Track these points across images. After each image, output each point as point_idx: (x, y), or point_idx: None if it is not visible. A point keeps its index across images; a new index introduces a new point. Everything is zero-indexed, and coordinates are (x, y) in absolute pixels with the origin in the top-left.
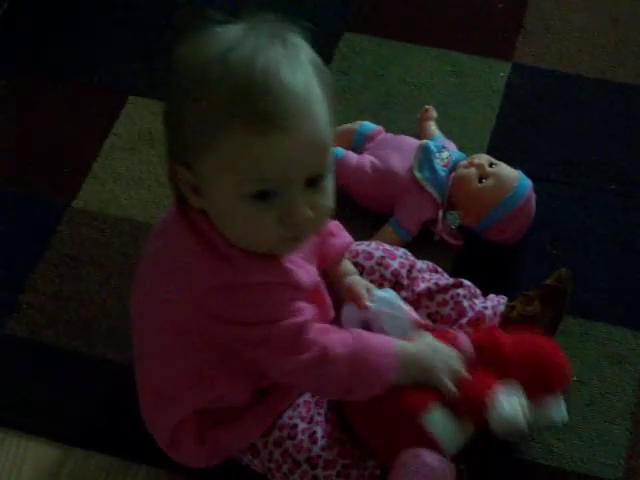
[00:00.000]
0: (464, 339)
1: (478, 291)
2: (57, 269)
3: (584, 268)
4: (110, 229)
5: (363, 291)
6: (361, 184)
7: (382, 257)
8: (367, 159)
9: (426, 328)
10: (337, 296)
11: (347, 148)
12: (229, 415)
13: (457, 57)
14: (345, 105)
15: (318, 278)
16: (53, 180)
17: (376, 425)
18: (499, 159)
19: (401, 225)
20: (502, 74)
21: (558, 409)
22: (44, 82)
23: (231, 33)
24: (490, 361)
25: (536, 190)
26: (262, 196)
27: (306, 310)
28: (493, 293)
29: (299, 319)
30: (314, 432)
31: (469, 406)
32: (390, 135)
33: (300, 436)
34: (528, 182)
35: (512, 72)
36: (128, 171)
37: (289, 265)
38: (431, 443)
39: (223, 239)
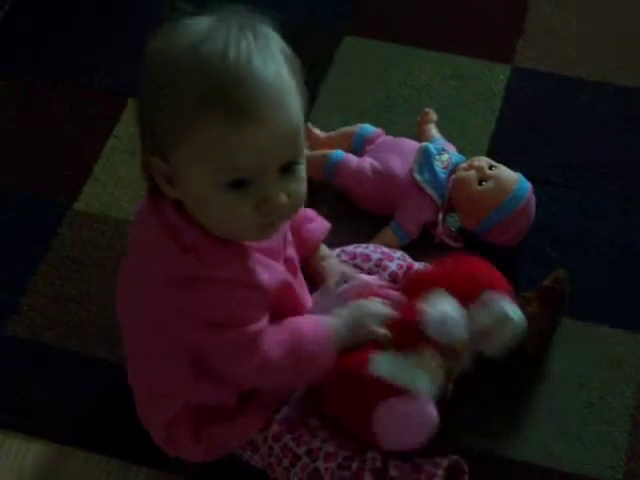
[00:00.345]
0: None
1: None
2: (58, 271)
3: (583, 270)
4: (111, 231)
5: (331, 279)
6: (361, 186)
7: (380, 259)
8: (367, 162)
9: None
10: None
11: (347, 150)
12: (222, 413)
13: (457, 60)
14: (345, 108)
15: (286, 276)
16: (54, 182)
17: (340, 403)
18: (499, 162)
19: (401, 228)
20: (502, 77)
21: (505, 304)
22: (44, 83)
23: (201, 25)
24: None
25: (536, 193)
26: (237, 185)
27: (261, 319)
28: None
29: (253, 328)
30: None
31: (406, 335)
32: (390, 138)
33: (299, 429)
34: (528, 185)
35: (512, 75)
36: (129, 173)
37: (253, 265)
38: (396, 391)
39: (193, 230)
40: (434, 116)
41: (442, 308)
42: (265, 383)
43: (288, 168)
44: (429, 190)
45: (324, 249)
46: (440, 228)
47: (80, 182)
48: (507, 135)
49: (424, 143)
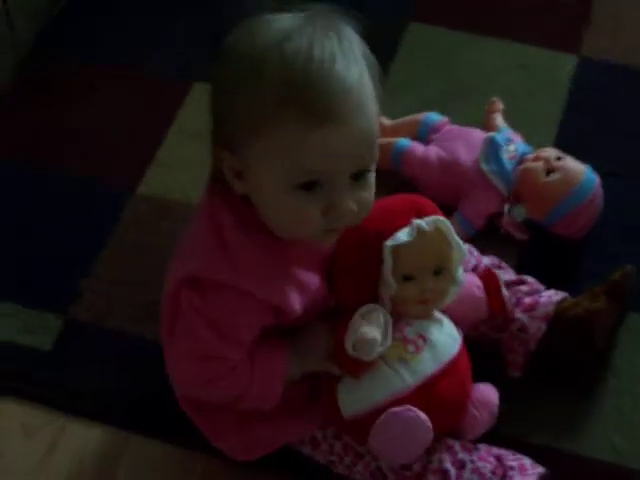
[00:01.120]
0: None
1: (541, 287)
2: (120, 255)
3: None
4: (174, 216)
5: None
6: (427, 175)
7: None
8: (433, 150)
9: None
10: None
11: (412, 139)
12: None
13: (523, 49)
14: (409, 96)
15: (321, 289)
16: (118, 166)
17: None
18: (564, 152)
19: (466, 218)
20: (569, 67)
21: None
22: (107, 68)
23: (287, 22)
24: None
25: (603, 185)
26: (308, 187)
27: (244, 349)
28: (556, 287)
29: (235, 357)
30: None
31: (337, 354)
32: (456, 127)
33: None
34: (595, 177)
35: (579, 65)
36: (192, 158)
37: (288, 286)
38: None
39: (239, 232)
40: (500, 105)
41: (357, 339)
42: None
43: (360, 175)
44: (495, 181)
45: None
46: (506, 219)
47: (144, 167)
48: (574, 126)
49: (491, 133)
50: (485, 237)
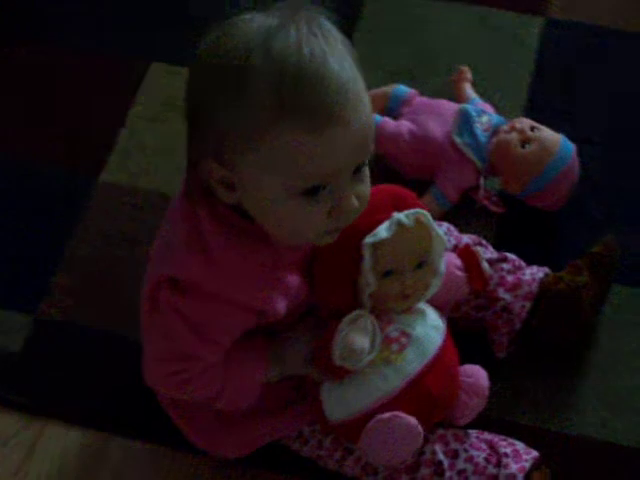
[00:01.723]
0: None
1: (523, 263)
2: (88, 247)
3: (632, 232)
4: (140, 202)
5: None
6: (399, 151)
7: None
8: (405, 125)
9: None
10: None
11: (381, 113)
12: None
13: (488, 12)
14: (374, 68)
15: (302, 289)
16: (77, 153)
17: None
18: (537, 120)
19: (442, 193)
20: (535, 30)
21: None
22: (61, 52)
23: (266, 21)
24: None
25: (578, 153)
26: (314, 191)
27: (221, 351)
28: (536, 261)
29: (212, 359)
30: None
31: (320, 362)
32: (426, 99)
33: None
34: (571, 146)
35: (546, 27)
36: (154, 142)
37: (271, 289)
38: (365, 419)
39: (222, 238)
40: (469, 74)
41: (344, 350)
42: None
43: (358, 169)
44: (470, 154)
45: None
46: (482, 193)
47: (105, 152)
48: (544, 92)
49: (463, 105)
50: (462, 212)
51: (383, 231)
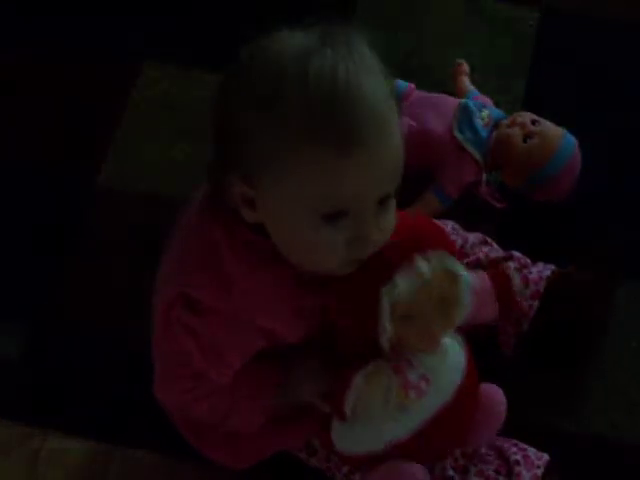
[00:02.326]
0: None
1: (528, 261)
2: (88, 254)
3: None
4: (138, 204)
5: None
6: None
7: None
8: (404, 121)
9: None
10: None
11: None
12: None
13: (483, 4)
14: None
15: (318, 312)
16: (74, 157)
17: None
18: (534, 112)
19: (443, 190)
20: (531, 22)
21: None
22: (54, 53)
23: (303, 40)
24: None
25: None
26: (333, 217)
27: (231, 373)
28: (541, 257)
29: (221, 380)
30: None
31: (334, 409)
32: (425, 94)
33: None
34: (573, 140)
35: (543, 18)
36: (151, 145)
37: (284, 313)
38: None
39: (241, 262)
40: (467, 68)
41: (357, 407)
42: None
43: (384, 201)
44: (471, 149)
45: None
46: (484, 188)
47: (101, 157)
48: (541, 84)
49: (463, 100)
50: (463, 209)
51: (403, 283)
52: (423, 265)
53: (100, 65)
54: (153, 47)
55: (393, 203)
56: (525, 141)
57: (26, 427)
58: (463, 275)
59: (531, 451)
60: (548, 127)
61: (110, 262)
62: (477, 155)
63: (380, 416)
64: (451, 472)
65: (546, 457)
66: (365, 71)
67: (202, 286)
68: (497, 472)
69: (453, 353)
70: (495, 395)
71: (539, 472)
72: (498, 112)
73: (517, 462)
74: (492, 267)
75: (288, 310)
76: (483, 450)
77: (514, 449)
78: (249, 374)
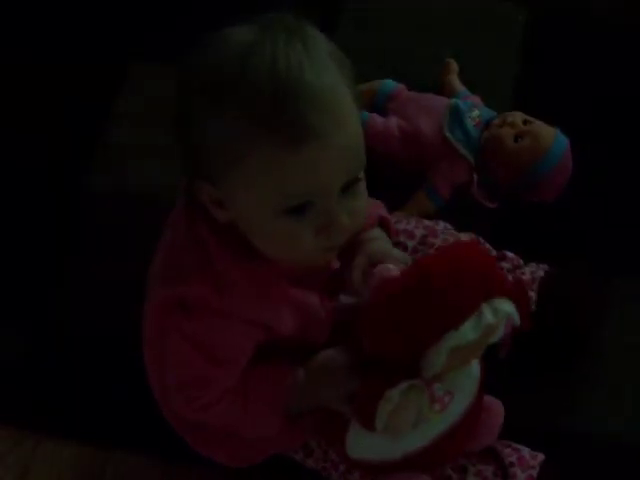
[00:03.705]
0: None
1: (521, 261)
2: (86, 257)
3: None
4: (127, 206)
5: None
6: (388, 147)
7: (425, 236)
8: (393, 121)
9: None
10: None
11: (368, 109)
12: None
13: (470, 2)
14: (358, 61)
15: (316, 312)
16: (62, 159)
17: None
18: (523, 111)
19: (435, 191)
20: (520, 17)
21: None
22: (41, 55)
23: (245, 37)
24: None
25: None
26: (297, 210)
27: (236, 371)
28: (534, 255)
29: (228, 381)
30: None
31: (362, 418)
32: (414, 94)
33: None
34: (565, 139)
35: (532, 17)
36: (140, 145)
37: (279, 306)
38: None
39: (227, 257)
40: (455, 67)
41: (389, 422)
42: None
43: (349, 186)
44: (462, 149)
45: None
46: (475, 189)
47: (89, 158)
48: (531, 83)
49: (453, 100)
50: (455, 210)
51: (470, 334)
52: (490, 316)
53: (86, 65)
54: (141, 47)
55: (362, 186)
56: (516, 141)
57: (20, 430)
58: (513, 315)
59: (525, 451)
60: (539, 127)
61: (109, 263)
62: (468, 155)
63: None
64: (449, 471)
65: (541, 456)
66: (309, 58)
67: (195, 286)
68: (494, 474)
69: (474, 367)
70: (493, 405)
71: (534, 472)
72: (489, 111)
73: (512, 463)
74: None
75: (279, 303)
76: (480, 452)
77: (508, 450)
78: (259, 377)
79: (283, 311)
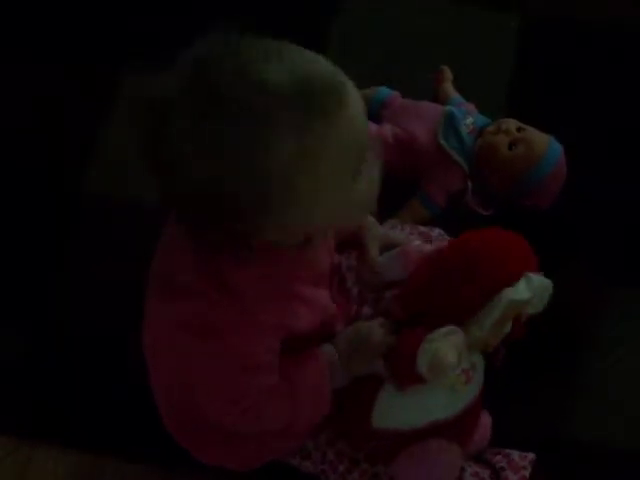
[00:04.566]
0: None
1: None
2: (80, 262)
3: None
4: (127, 207)
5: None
6: (382, 155)
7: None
8: (388, 128)
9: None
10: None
11: None
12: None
13: (462, 10)
14: (352, 69)
15: (328, 309)
16: (60, 164)
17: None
18: (518, 116)
19: (430, 199)
20: (512, 23)
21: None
22: (36, 61)
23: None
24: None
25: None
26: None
27: (272, 369)
28: None
29: (268, 380)
30: None
31: (402, 366)
32: (408, 101)
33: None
34: (559, 147)
35: (523, 22)
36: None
37: (295, 307)
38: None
39: (239, 270)
40: (449, 74)
41: (434, 359)
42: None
43: None
44: (456, 156)
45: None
46: (470, 196)
47: (84, 165)
48: (524, 90)
49: (448, 107)
50: (449, 216)
51: (523, 290)
52: (536, 281)
53: (87, 65)
54: (141, 47)
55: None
56: (510, 148)
57: (16, 437)
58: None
59: (515, 454)
60: (533, 134)
61: (109, 263)
62: (462, 163)
63: (436, 386)
64: None
65: (531, 456)
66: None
67: (204, 301)
68: (491, 477)
69: (481, 361)
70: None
71: (526, 472)
72: (483, 119)
73: (503, 468)
74: None
75: (294, 302)
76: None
77: (498, 457)
78: (296, 365)
79: (300, 310)
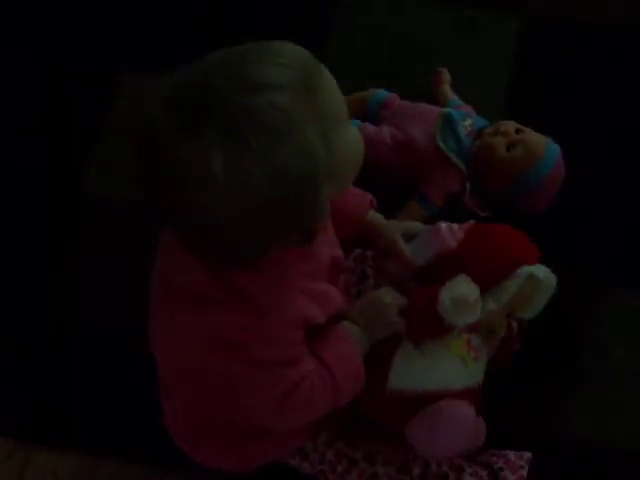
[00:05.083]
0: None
1: None
2: (77, 265)
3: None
4: (127, 206)
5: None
6: (381, 156)
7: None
8: (386, 130)
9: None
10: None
11: (361, 118)
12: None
13: (462, 11)
14: (352, 70)
15: (334, 299)
16: (59, 166)
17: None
18: (516, 118)
19: (427, 200)
20: (512, 26)
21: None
22: (35, 63)
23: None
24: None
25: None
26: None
27: (305, 353)
28: None
29: (307, 366)
30: None
31: (427, 325)
32: (407, 103)
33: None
34: (557, 148)
35: (523, 24)
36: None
37: (304, 302)
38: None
39: (245, 274)
40: (448, 76)
41: (457, 294)
42: (296, 419)
43: None
44: (454, 158)
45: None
46: (468, 197)
47: (83, 167)
48: (523, 92)
49: (446, 109)
50: (448, 218)
51: (540, 270)
52: (547, 269)
53: (87, 65)
54: (141, 47)
55: None
56: (508, 150)
57: (13, 440)
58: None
59: (511, 454)
60: (531, 135)
61: (109, 263)
62: (461, 164)
63: (450, 352)
64: (447, 469)
65: (527, 455)
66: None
67: (236, 321)
68: (489, 476)
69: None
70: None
71: (524, 472)
72: (481, 121)
73: (501, 468)
74: None
75: (304, 297)
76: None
77: (494, 458)
78: (325, 342)
79: (307, 303)
